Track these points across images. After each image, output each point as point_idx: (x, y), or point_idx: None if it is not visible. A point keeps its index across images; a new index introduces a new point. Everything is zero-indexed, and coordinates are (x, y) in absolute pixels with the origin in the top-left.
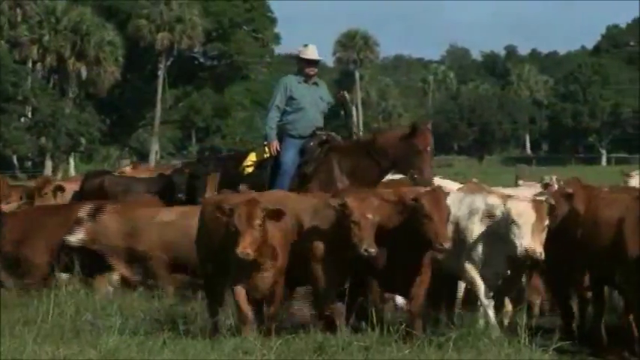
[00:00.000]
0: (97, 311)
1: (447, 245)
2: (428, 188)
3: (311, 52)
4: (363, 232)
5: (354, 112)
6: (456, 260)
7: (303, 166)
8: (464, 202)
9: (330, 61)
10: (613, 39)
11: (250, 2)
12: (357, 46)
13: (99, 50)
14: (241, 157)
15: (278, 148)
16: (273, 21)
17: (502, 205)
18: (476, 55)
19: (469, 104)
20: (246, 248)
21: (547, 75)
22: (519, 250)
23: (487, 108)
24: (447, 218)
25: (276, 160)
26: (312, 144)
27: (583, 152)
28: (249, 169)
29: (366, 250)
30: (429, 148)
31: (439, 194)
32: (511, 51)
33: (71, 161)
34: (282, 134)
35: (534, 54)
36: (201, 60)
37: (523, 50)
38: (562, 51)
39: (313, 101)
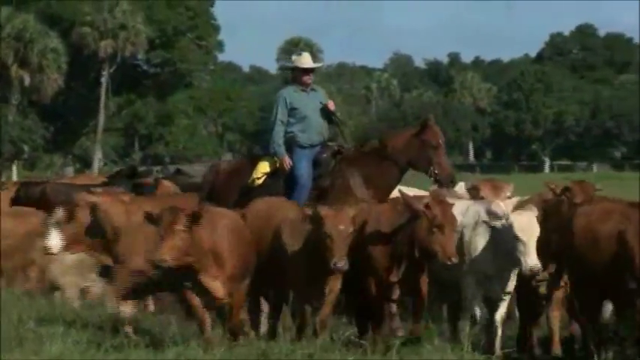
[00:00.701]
0: (40, 319)
1: (455, 260)
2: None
3: (306, 61)
4: (334, 245)
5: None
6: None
7: (318, 179)
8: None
9: (273, 69)
10: (556, 47)
11: (194, 10)
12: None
13: (42, 57)
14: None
15: (290, 163)
16: (216, 28)
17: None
18: (419, 62)
19: (412, 112)
20: (163, 254)
21: (490, 83)
22: (524, 268)
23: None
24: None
25: (290, 174)
26: (324, 155)
27: (526, 160)
28: (259, 181)
29: (335, 264)
30: (441, 141)
31: (446, 205)
32: (454, 58)
33: (14, 169)
34: (292, 146)
35: (477, 61)
36: (145, 67)
37: (466, 58)
38: (505, 58)
39: (315, 108)
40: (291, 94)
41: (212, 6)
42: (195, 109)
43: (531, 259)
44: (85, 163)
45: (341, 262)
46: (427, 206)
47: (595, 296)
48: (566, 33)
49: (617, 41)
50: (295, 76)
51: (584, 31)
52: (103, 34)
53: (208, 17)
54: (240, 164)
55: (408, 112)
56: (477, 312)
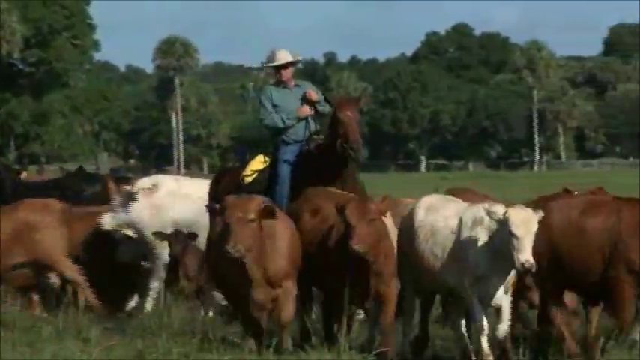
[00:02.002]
0: None
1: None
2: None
3: (280, 57)
4: (232, 233)
5: (326, 110)
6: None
7: (300, 171)
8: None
9: (149, 68)
10: (432, 46)
11: (69, 9)
12: (176, 53)
13: None
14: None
15: (307, 111)
16: (92, 28)
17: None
18: None
19: None
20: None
21: (367, 82)
22: (516, 264)
23: None
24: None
25: (273, 170)
26: (307, 148)
27: (403, 159)
28: (249, 179)
29: (228, 252)
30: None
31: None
32: (330, 58)
33: None
34: (278, 142)
35: (354, 61)
36: (20, 66)
37: (342, 57)
38: (381, 58)
39: (298, 103)
40: (272, 90)
41: (88, 5)
42: (71, 109)
43: (523, 255)
44: None
45: (233, 249)
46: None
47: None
48: (442, 32)
49: (492, 41)
50: (275, 74)
51: (460, 31)
52: None
53: (84, 16)
54: (236, 168)
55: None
56: (484, 322)
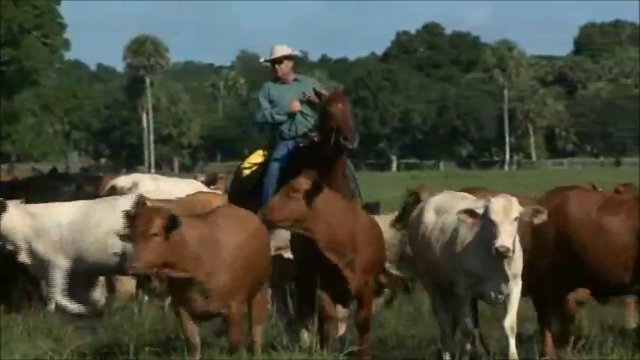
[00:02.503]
0: None
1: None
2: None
3: (276, 51)
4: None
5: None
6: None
7: (291, 168)
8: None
9: (120, 67)
10: (403, 45)
11: (40, 8)
12: (147, 52)
13: None
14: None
15: (298, 106)
16: (62, 27)
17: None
18: None
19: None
20: None
21: (337, 81)
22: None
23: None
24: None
25: (266, 165)
26: (301, 145)
27: (374, 158)
28: (247, 172)
29: (127, 269)
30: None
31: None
32: (301, 57)
33: None
34: (275, 138)
35: (324, 60)
36: None
37: (313, 56)
38: (352, 57)
39: (295, 98)
40: (269, 86)
41: (58, 4)
42: (42, 108)
43: (499, 240)
44: None
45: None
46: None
47: None
48: (413, 32)
49: (463, 40)
50: (272, 70)
51: (431, 30)
52: None
53: (54, 15)
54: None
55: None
56: (467, 323)
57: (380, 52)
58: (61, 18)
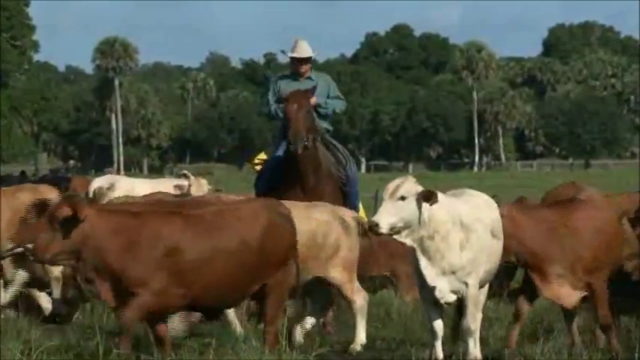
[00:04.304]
0: None
1: None
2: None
3: (300, 50)
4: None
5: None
6: None
7: (275, 174)
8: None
9: (89, 69)
10: (372, 47)
11: (9, 10)
12: (116, 54)
13: None
14: None
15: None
16: (32, 28)
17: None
18: (235, 62)
19: (229, 112)
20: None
21: None
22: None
23: (247, 115)
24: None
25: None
26: (293, 148)
27: None
28: (257, 167)
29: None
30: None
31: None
32: (271, 59)
33: None
34: (280, 137)
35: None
36: None
37: (282, 58)
38: (321, 59)
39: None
40: (281, 80)
41: (27, 6)
42: (11, 109)
43: (375, 216)
44: None
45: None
46: None
47: None
48: (382, 33)
49: (432, 41)
50: (293, 66)
51: (400, 32)
52: None
53: (23, 17)
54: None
55: (224, 112)
56: (436, 325)
57: (349, 53)
58: (30, 19)
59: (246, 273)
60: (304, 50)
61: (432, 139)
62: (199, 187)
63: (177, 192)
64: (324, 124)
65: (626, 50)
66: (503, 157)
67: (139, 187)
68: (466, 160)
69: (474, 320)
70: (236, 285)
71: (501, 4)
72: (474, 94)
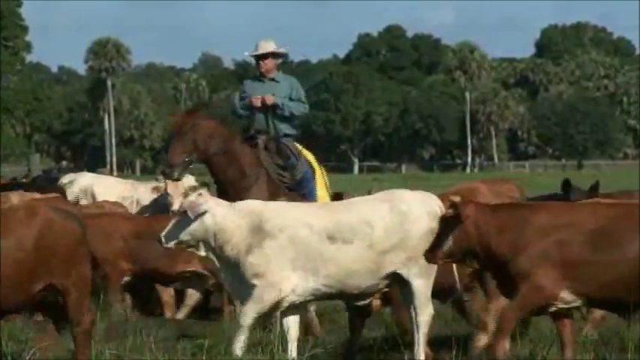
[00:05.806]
0: None
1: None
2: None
3: (261, 47)
4: None
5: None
6: None
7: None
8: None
9: (82, 69)
10: (365, 48)
11: (1, 11)
12: (108, 54)
13: None
14: None
15: (255, 102)
16: (24, 29)
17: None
18: (228, 63)
19: (221, 112)
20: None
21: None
22: None
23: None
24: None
25: None
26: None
27: (335, 160)
28: None
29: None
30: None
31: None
32: None
33: None
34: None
35: (286, 62)
36: None
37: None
38: (313, 59)
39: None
40: (247, 82)
41: (20, 7)
42: (3, 110)
43: None
44: None
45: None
46: None
47: None
48: (375, 34)
49: (425, 42)
50: (256, 66)
51: (393, 32)
52: None
53: (16, 18)
54: None
55: (217, 113)
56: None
57: (342, 54)
58: (22, 20)
59: (24, 272)
60: (262, 47)
61: (425, 139)
62: (175, 188)
63: (156, 194)
64: (282, 126)
65: (618, 51)
66: (496, 157)
67: (119, 187)
68: (459, 160)
69: (243, 314)
70: (15, 284)
71: (494, 5)
72: (467, 94)
